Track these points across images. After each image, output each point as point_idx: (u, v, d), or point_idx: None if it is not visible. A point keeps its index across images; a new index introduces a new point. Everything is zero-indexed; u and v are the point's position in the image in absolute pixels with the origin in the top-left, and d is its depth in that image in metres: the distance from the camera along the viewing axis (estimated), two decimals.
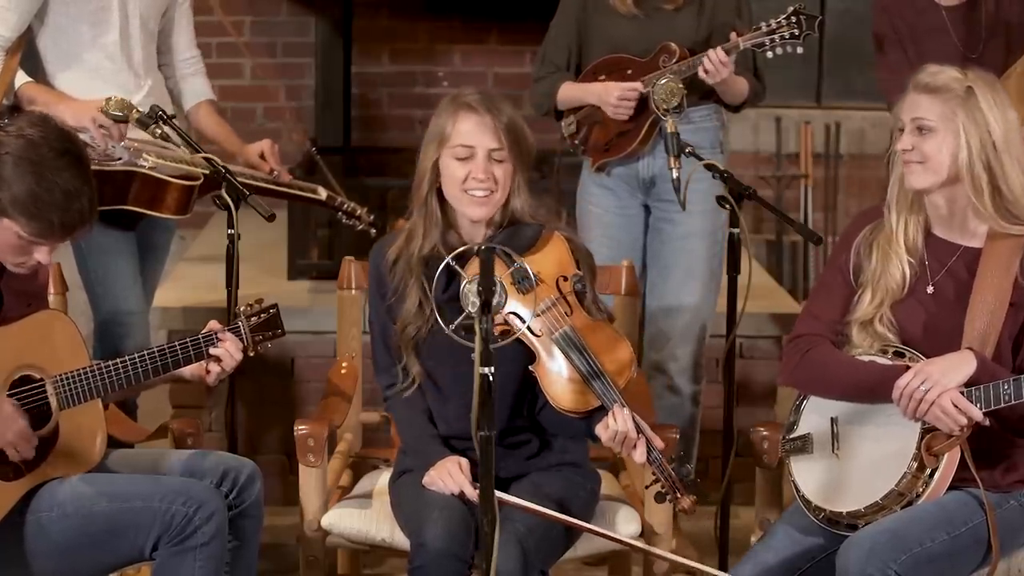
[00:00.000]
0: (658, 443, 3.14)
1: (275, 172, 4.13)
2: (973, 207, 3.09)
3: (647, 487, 3.21)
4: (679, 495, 3.12)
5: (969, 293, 3.08)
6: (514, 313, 3.19)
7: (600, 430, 3.15)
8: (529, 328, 3.18)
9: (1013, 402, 2.94)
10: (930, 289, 3.14)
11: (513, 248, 3.21)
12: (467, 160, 3.22)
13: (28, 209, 2.91)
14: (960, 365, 2.99)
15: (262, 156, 4.14)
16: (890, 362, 3.07)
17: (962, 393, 2.97)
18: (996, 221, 3.08)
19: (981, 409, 2.96)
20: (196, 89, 4.25)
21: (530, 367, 3.21)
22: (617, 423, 3.11)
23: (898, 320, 3.13)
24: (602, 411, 3.16)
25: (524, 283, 3.19)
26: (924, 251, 3.16)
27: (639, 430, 3.12)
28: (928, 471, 3.01)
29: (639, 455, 3.12)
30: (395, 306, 3.31)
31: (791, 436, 3.20)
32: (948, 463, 3.01)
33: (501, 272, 3.14)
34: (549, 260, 3.27)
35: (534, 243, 3.27)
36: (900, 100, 3.15)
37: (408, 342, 3.29)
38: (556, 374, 3.19)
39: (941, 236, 3.16)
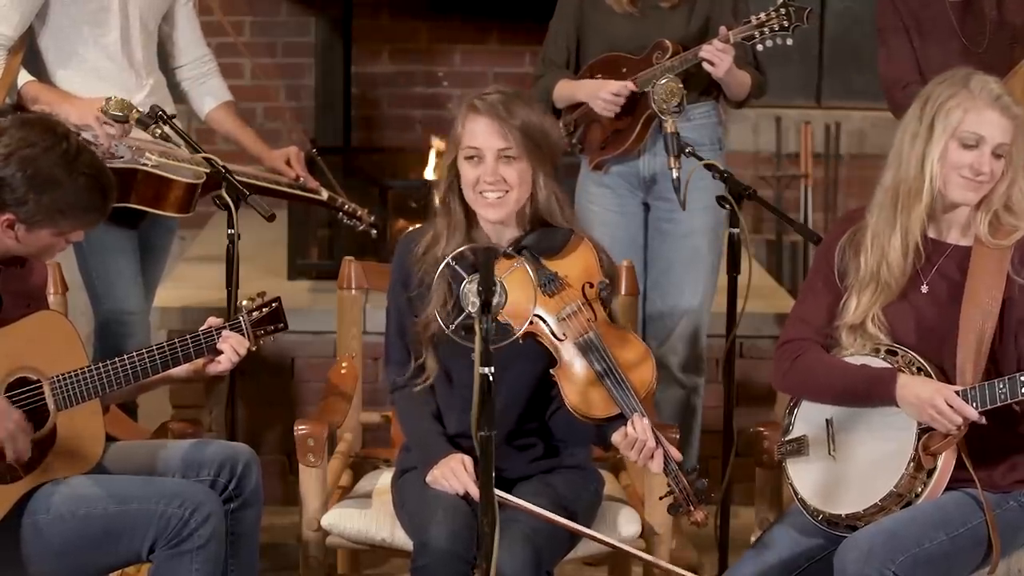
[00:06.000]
0: (675, 454, 3.13)
1: (301, 179, 4.16)
2: (971, 217, 3.09)
3: (661, 498, 3.20)
4: (693, 507, 3.11)
5: (961, 291, 3.08)
6: (539, 316, 3.18)
7: (618, 438, 3.14)
8: (552, 331, 3.18)
9: (1009, 401, 2.94)
10: (924, 288, 3.14)
11: (542, 251, 3.21)
12: (477, 162, 3.20)
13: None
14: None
15: (288, 163, 4.16)
16: (882, 362, 3.07)
17: (957, 393, 2.97)
18: (984, 235, 3.08)
19: (977, 408, 2.95)
20: (212, 91, 4.25)
21: (551, 370, 3.19)
22: (636, 432, 3.10)
23: (889, 321, 3.13)
24: (618, 419, 3.15)
25: (550, 286, 3.19)
26: (916, 252, 3.15)
27: (657, 441, 3.11)
28: (926, 471, 3.01)
29: (656, 465, 3.11)
30: (416, 299, 3.29)
31: (786, 439, 3.20)
32: (946, 462, 3.01)
33: (525, 273, 3.14)
34: (577, 265, 3.26)
35: (563, 247, 3.26)
36: (966, 110, 3.02)
37: (429, 339, 3.26)
38: (577, 379, 3.17)
39: (932, 236, 3.16)
